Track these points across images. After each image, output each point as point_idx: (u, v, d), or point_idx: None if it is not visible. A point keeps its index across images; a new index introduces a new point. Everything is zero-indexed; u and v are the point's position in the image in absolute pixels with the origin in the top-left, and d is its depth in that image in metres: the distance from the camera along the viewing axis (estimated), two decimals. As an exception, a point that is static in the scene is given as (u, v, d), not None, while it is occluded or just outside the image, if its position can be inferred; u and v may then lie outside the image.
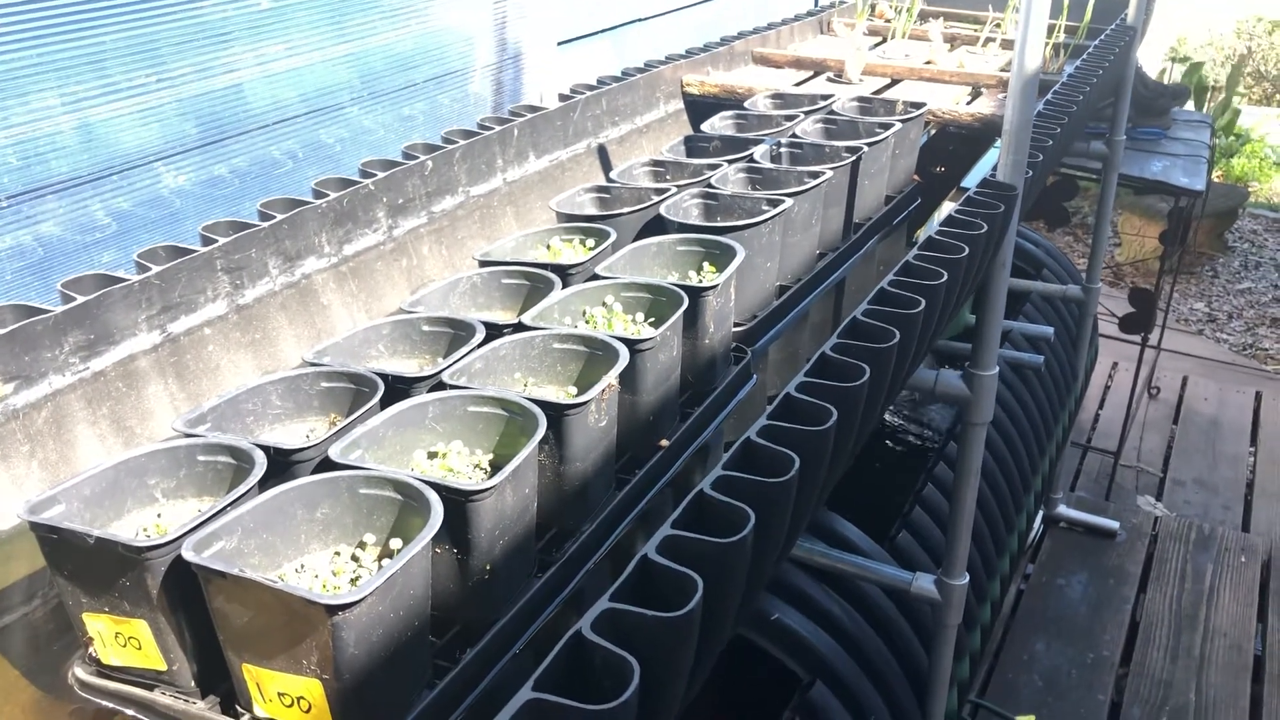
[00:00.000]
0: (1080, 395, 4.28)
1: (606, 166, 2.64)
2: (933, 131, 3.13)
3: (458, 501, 1.18)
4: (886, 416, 4.24)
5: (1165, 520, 4.72)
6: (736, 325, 1.97)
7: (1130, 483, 5.27)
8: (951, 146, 3.25)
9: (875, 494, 3.32)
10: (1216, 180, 9.06)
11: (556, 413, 1.35)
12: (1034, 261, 4.41)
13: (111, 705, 1.22)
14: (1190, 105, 9.15)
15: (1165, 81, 9.29)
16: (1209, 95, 9.57)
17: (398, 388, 1.45)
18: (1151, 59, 9.94)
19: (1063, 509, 4.58)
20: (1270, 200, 9.45)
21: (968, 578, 2.46)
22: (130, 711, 1.20)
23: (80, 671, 1.23)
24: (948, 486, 3.06)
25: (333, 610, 1.01)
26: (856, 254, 2.40)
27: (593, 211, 2.18)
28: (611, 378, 1.41)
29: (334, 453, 1.25)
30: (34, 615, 1.41)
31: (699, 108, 2.99)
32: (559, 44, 2.86)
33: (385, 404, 1.39)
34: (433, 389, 1.44)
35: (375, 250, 2.00)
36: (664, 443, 1.61)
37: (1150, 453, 5.53)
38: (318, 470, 1.26)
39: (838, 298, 2.45)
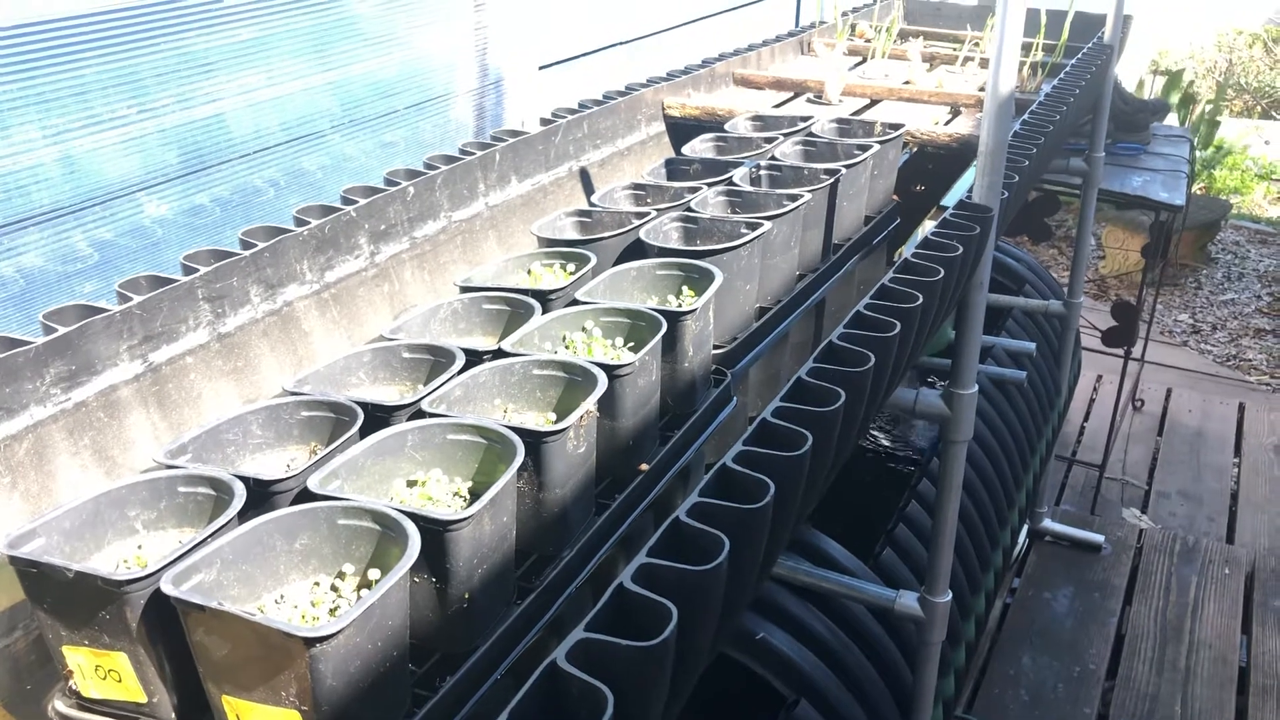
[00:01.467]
0: (1064, 410, 4.31)
1: (589, 190, 2.66)
2: (912, 151, 3.16)
3: (435, 531, 1.19)
4: (872, 434, 4.26)
5: (1150, 533, 4.74)
6: (716, 347, 1.98)
7: (1115, 495, 5.29)
8: (930, 165, 3.27)
9: (860, 511, 3.33)
10: (1199, 193, 9.13)
11: (535, 440, 1.36)
12: (1016, 277, 4.44)
13: (92, 738, 1.22)
14: (1172, 117, 9.24)
15: (1146, 93, 9.38)
16: (1191, 108, 9.65)
17: (377, 416, 1.46)
18: (1133, 72, 10.02)
19: (1048, 523, 4.60)
20: (1252, 212, 9.52)
21: (950, 595, 2.48)
22: (110, 744, 1.21)
23: (60, 705, 1.24)
24: (932, 503, 3.08)
25: (310, 642, 1.02)
26: (836, 275, 2.42)
27: (574, 235, 2.19)
28: (590, 404, 1.42)
29: (313, 483, 1.26)
30: (15, 647, 1.41)
31: (680, 130, 3.01)
32: (540, 68, 2.89)
33: (365, 432, 1.40)
34: (412, 417, 1.45)
35: (357, 276, 2.01)
36: (644, 466, 1.63)
37: (1135, 465, 5.56)
38: (297, 500, 1.27)
39: (818, 318, 2.47)
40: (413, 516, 1.19)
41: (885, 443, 3.79)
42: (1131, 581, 4.39)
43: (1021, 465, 3.67)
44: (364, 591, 1.19)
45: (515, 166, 2.43)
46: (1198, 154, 9.57)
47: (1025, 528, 4.51)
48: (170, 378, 1.67)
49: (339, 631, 1.03)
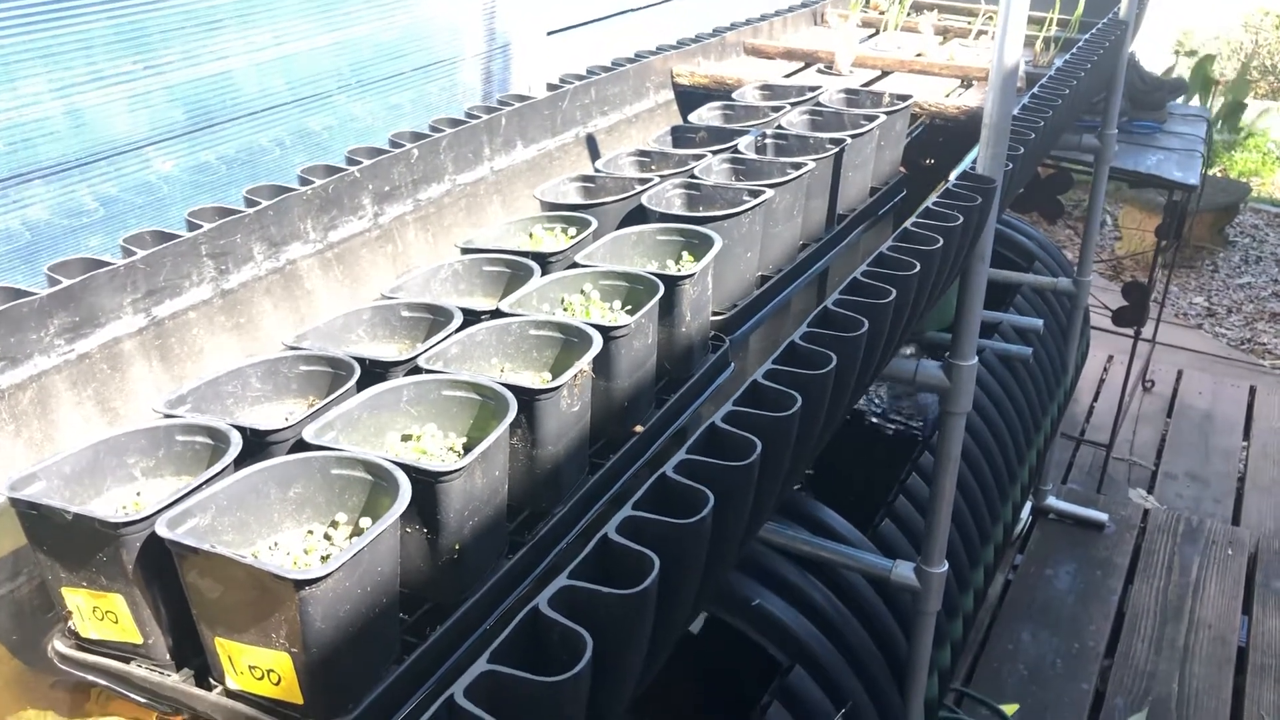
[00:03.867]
0: (1070, 388, 4.31)
1: (595, 156, 2.67)
2: (924, 125, 3.16)
3: (427, 482, 1.21)
4: (875, 407, 4.27)
5: (1154, 513, 4.75)
6: (716, 314, 1.99)
7: (1122, 475, 5.29)
8: (941, 139, 3.27)
9: (861, 484, 3.35)
10: (1218, 175, 9.07)
11: (529, 397, 1.38)
12: (1025, 254, 4.43)
13: (90, 678, 1.25)
14: (1195, 100, 9.15)
15: (1172, 76, 9.29)
16: (1214, 90, 9.57)
17: (375, 372, 1.48)
18: (1158, 54, 9.93)
19: (1052, 500, 4.61)
20: (1272, 195, 9.45)
21: (947, 566, 2.49)
22: (107, 683, 1.23)
23: (60, 645, 1.27)
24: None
25: (300, 585, 1.04)
26: (839, 245, 2.43)
27: (577, 200, 2.20)
28: (584, 363, 1.44)
29: (308, 434, 1.28)
30: (19, 593, 1.44)
31: (689, 98, 3.02)
32: (549, 34, 2.88)
33: (362, 387, 1.42)
34: (409, 374, 1.47)
35: (361, 237, 2.03)
36: (639, 428, 1.64)
37: (1143, 446, 5.55)
38: (293, 451, 1.29)
39: (820, 288, 2.48)
40: (405, 467, 1.21)
41: (889, 417, 3.80)
42: (1134, 560, 4.40)
43: (1025, 442, 3.68)
44: (356, 540, 1.21)
45: (521, 131, 2.44)
46: (1219, 136, 9.50)
47: (1029, 505, 4.53)
48: (173, 332, 1.69)
49: (328, 575, 1.05)
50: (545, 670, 0.92)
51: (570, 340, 1.55)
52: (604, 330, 1.54)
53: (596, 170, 2.29)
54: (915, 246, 1.79)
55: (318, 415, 1.33)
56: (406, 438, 1.40)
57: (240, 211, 1.81)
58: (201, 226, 1.75)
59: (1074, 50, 3.17)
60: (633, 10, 3.40)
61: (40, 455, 1.48)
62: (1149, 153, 5.01)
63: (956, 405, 2.33)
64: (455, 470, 1.21)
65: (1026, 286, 4.17)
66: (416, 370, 1.46)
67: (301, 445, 1.29)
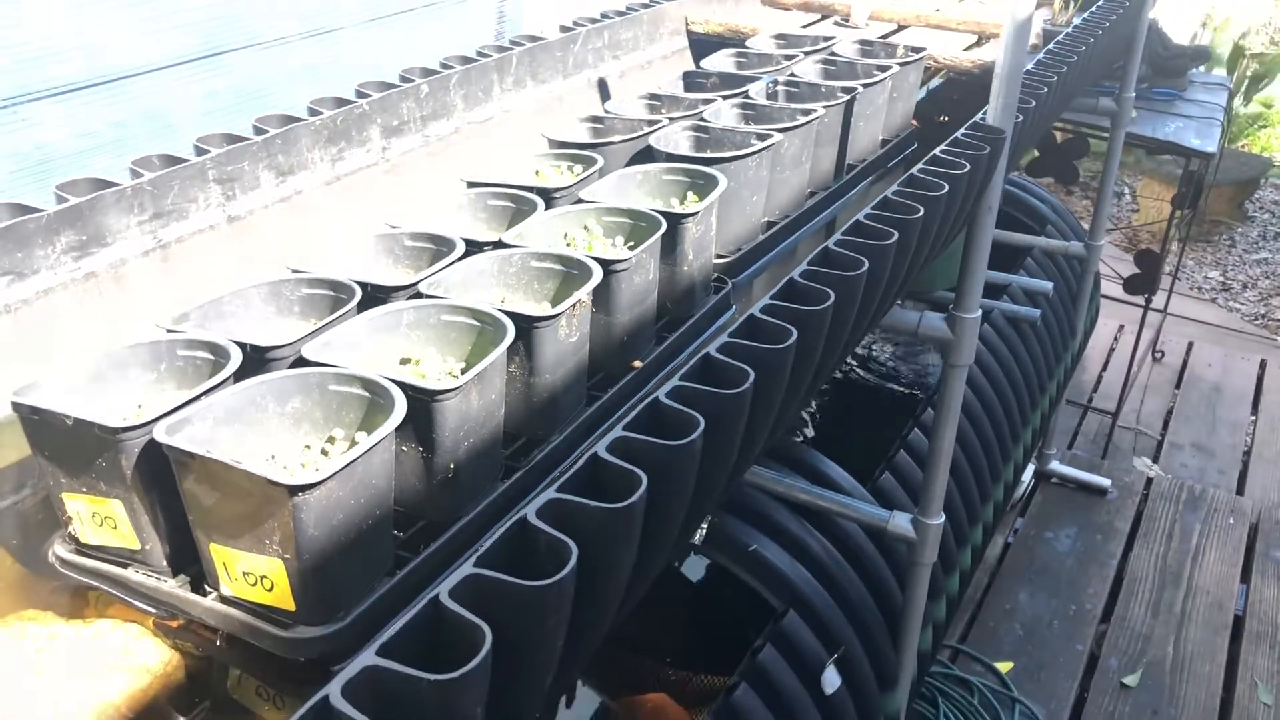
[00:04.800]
0: (1078, 353, 4.30)
1: (605, 99, 2.67)
2: (940, 80, 3.14)
3: (423, 401, 1.23)
4: (882, 363, 4.28)
5: (1157, 480, 4.75)
6: (720, 257, 2.00)
7: (1128, 444, 5.29)
8: (955, 96, 3.25)
9: (864, 438, 3.36)
10: (1240, 149, 8.98)
11: (527, 324, 1.39)
12: (1039, 217, 4.41)
13: (89, 581, 1.28)
14: (1220, 72, 9.04)
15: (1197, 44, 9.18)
16: (1240, 62, 9.44)
17: (377, 297, 1.49)
18: (1184, 26, 9.78)
19: (1055, 465, 4.62)
20: (1293, 169, 9.35)
21: (944, 518, 2.51)
22: (105, 587, 1.26)
23: (60, 549, 1.29)
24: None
25: (294, 491, 1.06)
26: (848, 194, 2.43)
27: (586, 140, 2.21)
28: (583, 294, 1.45)
29: (308, 351, 1.30)
30: (23, 504, 1.47)
31: (703, 46, 3.00)
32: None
33: (365, 311, 1.44)
34: (411, 299, 1.48)
35: (369, 170, 2.04)
36: (637, 364, 1.66)
37: (1150, 415, 5.54)
38: (293, 369, 1.31)
39: (828, 237, 2.47)
40: (401, 385, 1.22)
41: (895, 373, 3.81)
42: (1135, 526, 4.41)
43: (1030, 403, 3.68)
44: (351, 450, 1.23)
45: (532, 72, 2.44)
46: (1242, 110, 9.38)
47: (1031, 467, 4.53)
48: (179, 255, 1.71)
49: (322, 482, 1.07)
50: (530, 578, 0.94)
51: (571, 272, 1.56)
52: (604, 263, 1.55)
53: (606, 111, 2.29)
54: (921, 192, 1.79)
55: (318, 334, 1.34)
56: (405, 361, 1.41)
57: (248, 139, 1.82)
58: (209, 152, 1.76)
59: (1092, 10, 3.14)
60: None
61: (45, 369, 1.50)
62: (1167, 119, 4.97)
63: (959, 358, 2.34)
64: (451, 390, 1.23)
65: (1038, 249, 4.16)
66: (418, 296, 1.47)
67: (301, 363, 1.30)
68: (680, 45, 3.00)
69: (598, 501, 1.03)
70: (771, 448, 2.81)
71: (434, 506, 1.31)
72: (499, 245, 1.64)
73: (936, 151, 1.98)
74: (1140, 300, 5.04)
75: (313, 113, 1.97)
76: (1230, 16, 9.51)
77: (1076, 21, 3.06)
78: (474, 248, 1.64)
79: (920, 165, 1.90)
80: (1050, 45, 2.72)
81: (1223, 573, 4.16)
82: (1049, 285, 3.87)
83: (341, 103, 2.01)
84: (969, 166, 1.90)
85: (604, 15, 2.76)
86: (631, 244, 1.72)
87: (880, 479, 2.94)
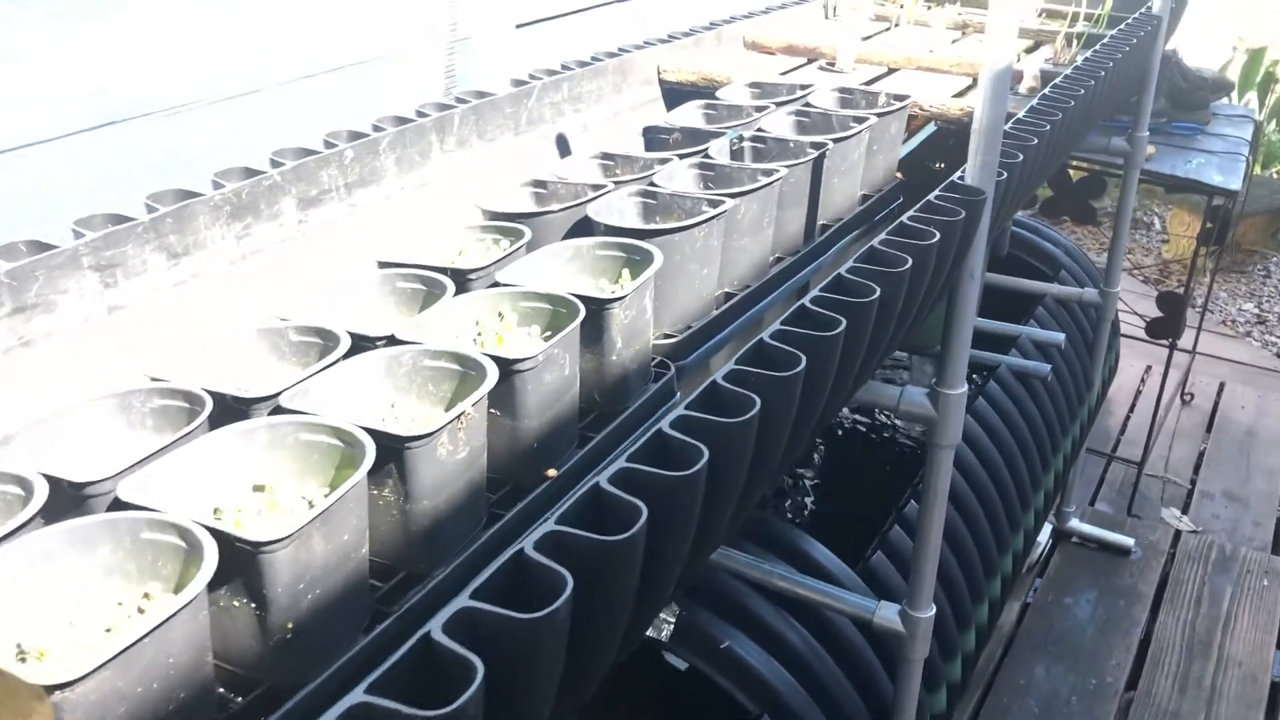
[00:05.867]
0: (1095, 406, 4.06)
1: (565, 156, 2.48)
2: (934, 126, 2.93)
3: (248, 552, 1.03)
4: (879, 422, 4.05)
5: (1184, 538, 4.48)
6: (666, 336, 1.80)
7: (1155, 494, 5.03)
8: (952, 141, 3.05)
9: (855, 508, 3.14)
10: (1275, 177, 8.67)
11: (397, 445, 1.20)
12: (1051, 262, 4.18)
13: None
14: (1251, 100, 8.75)
15: (1226, 74, 8.92)
16: (1272, 88, 9.15)
17: (237, 409, 1.30)
18: (1217, 53, 9.50)
19: (1075, 523, 4.36)
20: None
21: (934, 610, 2.28)
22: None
23: None
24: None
25: (52, 690, 0.86)
26: (820, 258, 2.22)
27: (527, 207, 2.02)
28: (468, 405, 1.25)
29: (126, 490, 1.11)
30: None
31: (677, 96, 2.82)
32: (518, 26, 2.70)
33: (222, 424, 1.25)
34: (273, 412, 1.29)
35: (281, 246, 1.86)
36: (551, 473, 1.45)
37: (1179, 463, 5.28)
38: (112, 508, 1.12)
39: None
40: (218, 534, 1.03)
41: (891, 436, 3.59)
42: (1160, 589, 4.14)
43: (1041, 465, 3.44)
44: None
45: (479, 130, 2.26)
46: (1276, 136, 9.08)
47: (1048, 528, 4.28)
48: (41, 355, 1.53)
49: (87, 676, 0.87)
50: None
51: (468, 373, 1.37)
52: (505, 362, 1.35)
53: (553, 174, 2.10)
54: (878, 268, 1.59)
55: (143, 465, 1.15)
56: (260, 488, 1.22)
57: (133, 219, 1.64)
58: (86, 235, 1.59)
59: (1096, 48, 2.93)
60: (614, 1, 3.19)
61: None
62: (1189, 155, 4.73)
63: (944, 437, 2.12)
64: (279, 540, 1.03)
65: (1049, 297, 3.93)
66: (279, 411, 1.28)
67: (116, 503, 1.11)
68: (652, 95, 2.82)
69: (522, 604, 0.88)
70: (747, 526, 2.60)
71: (269, 677, 1.11)
72: (391, 340, 1.45)
73: (904, 218, 1.78)
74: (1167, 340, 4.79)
75: (216, 186, 1.79)
76: (1266, 46, 9.23)
77: (1080, 60, 2.85)
78: (365, 343, 1.45)
79: (882, 235, 1.70)
80: (1046, 90, 2.51)
81: (1257, 640, 3.89)
82: (1061, 337, 3.64)
83: (252, 173, 1.83)
84: (938, 235, 1.69)
85: (565, 67, 2.58)
86: (549, 334, 1.52)
87: (872, 559, 2.71)
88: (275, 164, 1.88)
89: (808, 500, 3.67)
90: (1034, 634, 3.87)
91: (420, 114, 2.18)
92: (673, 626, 2.37)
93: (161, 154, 1.97)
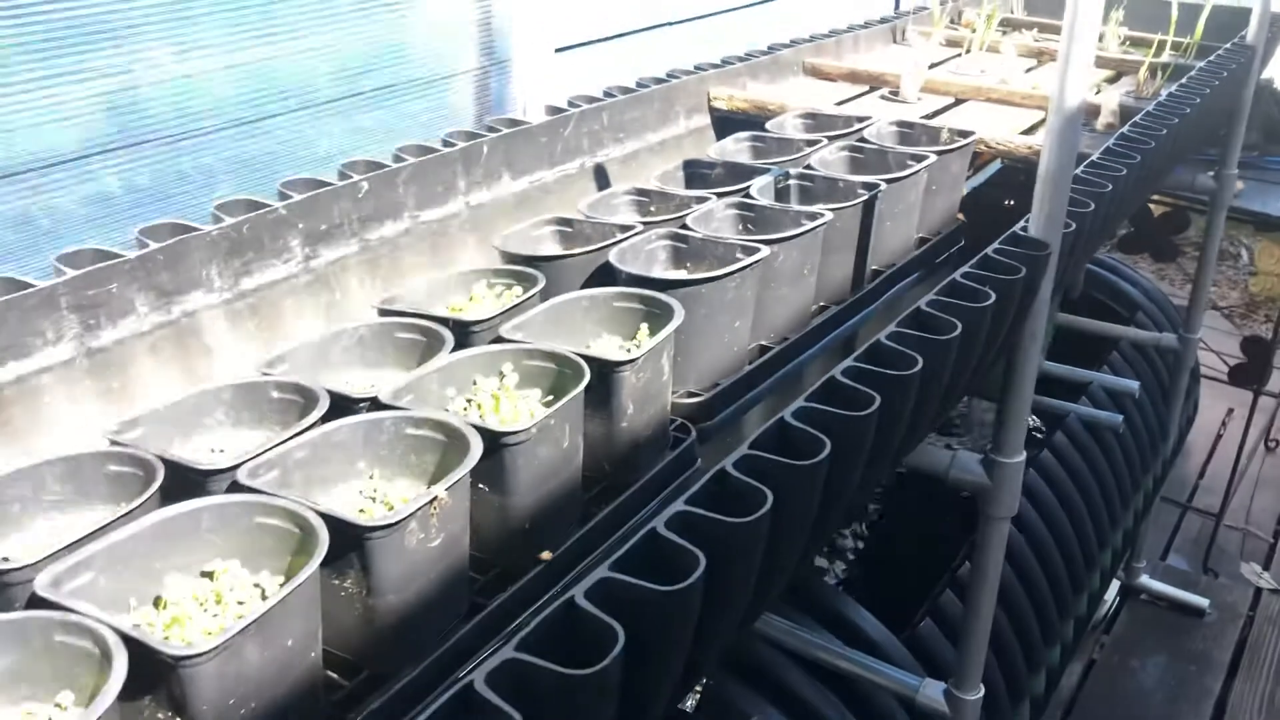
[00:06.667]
0: (1171, 459, 3.81)
1: (604, 188, 2.34)
2: (1003, 161, 2.75)
3: (167, 665, 0.91)
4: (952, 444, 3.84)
5: (1265, 600, 4.20)
6: (690, 395, 1.65)
7: (1234, 547, 4.74)
8: (1023, 178, 2.85)
9: (907, 568, 2.96)
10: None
11: (355, 534, 1.06)
12: (1128, 303, 3.94)
13: None
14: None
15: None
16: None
17: (194, 480, 1.18)
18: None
19: (1145, 579, 4.10)
20: None
21: (982, 691, 2.10)
22: None
23: None
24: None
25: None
26: (870, 307, 2.06)
27: (550, 248, 1.89)
28: (441, 489, 1.12)
29: (43, 585, 0.99)
30: None
31: (729, 125, 2.66)
32: (557, 50, 2.56)
33: (176, 498, 1.13)
34: (232, 487, 1.16)
35: (285, 284, 1.74)
36: (546, 555, 1.31)
37: (1261, 514, 4.98)
38: (30, 605, 1.00)
39: (845, 357, 2.10)
40: (132, 643, 0.90)
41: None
42: (1236, 656, 3.87)
43: (1110, 522, 3.22)
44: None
45: (508, 161, 2.13)
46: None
47: (1116, 584, 4.03)
48: (15, 400, 1.42)
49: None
50: None
51: (454, 444, 1.23)
52: (492, 435, 1.22)
53: (582, 212, 1.96)
54: (922, 334, 1.42)
55: (76, 548, 1.03)
56: (209, 574, 1.09)
57: (119, 255, 1.53)
58: (67, 273, 1.49)
59: (1184, 80, 2.72)
60: (669, 24, 3.05)
61: None
62: (1281, 192, 4.47)
63: (999, 509, 1.94)
64: (203, 654, 0.90)
65: (1125, 341, 3.70)
66: (236, 487, 1.16)
67: (35, 600, 0.99)
68: (700, 123, 2.67)
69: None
70: (787, 588, 2.43)
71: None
72: (375, 403, 1.32)
73: (957, 275, 1.61)
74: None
75: (216, 219, 1.68)
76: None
77: (1164, 95, 2.64)
78: (345, 404, 1.32)
79: (929, 297, 1.53)
80: (1125, 128, 2.32)
81: (1341, 717, 3.61)
82: (1136, 385, 3.41)
83: (255, 206, 1.72)
84: (994, 297, 1.52)
85: (608, 93, 2.45)
86: (552, 397, 1.38)
87: (920, 626, 2.53)
88: (283, 196, 1.76)
89: (852, 553, 3.48)
90: (1097, 699, 3.63)
91: (446, 143, 2.06)
92: (699, 696, 2.22)
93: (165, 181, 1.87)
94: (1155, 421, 3.60)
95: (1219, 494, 4.93)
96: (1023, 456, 1.92)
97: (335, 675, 1.15)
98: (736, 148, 2.29)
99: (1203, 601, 4.04)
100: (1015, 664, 2.68)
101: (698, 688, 2.20)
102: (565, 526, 1.35)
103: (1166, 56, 3.20)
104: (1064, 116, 1.63)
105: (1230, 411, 5.71)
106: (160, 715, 0.95)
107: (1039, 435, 3.48)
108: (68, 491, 1.19)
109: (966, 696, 2.08)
